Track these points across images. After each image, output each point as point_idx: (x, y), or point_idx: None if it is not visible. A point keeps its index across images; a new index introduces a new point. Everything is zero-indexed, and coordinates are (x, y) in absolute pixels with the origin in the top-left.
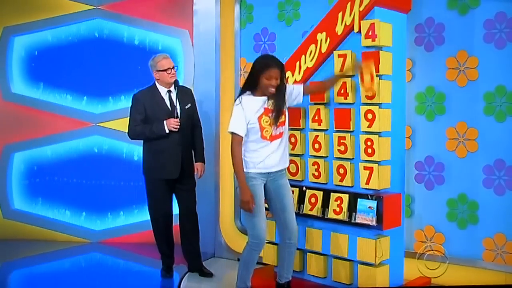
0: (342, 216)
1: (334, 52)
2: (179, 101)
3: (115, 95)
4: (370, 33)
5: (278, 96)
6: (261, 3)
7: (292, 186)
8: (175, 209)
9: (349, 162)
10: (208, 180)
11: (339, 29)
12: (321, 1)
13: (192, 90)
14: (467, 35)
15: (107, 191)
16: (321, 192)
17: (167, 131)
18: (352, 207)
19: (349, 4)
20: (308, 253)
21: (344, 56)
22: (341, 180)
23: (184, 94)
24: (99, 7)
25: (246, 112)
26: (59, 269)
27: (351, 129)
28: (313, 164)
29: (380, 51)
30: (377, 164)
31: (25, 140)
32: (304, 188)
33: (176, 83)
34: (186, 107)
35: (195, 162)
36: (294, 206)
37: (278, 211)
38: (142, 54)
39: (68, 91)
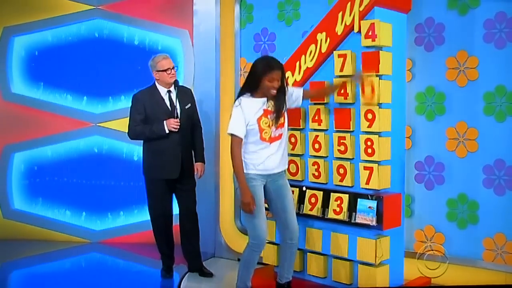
0: (342, 216)
1: (334, 52)
2: (179, 101)
3: (115, 95)
4: (370, 33)
5: (279, 97)
6: (261, 3)
7: (292, 186)
8: (175, 209)
9: (349, 162)
10: (208, 180)
11: (339, 29)
12: (321, 1)
13: (192, 90)
14: (467, 35)
15: (107, 191)
16: (321, 192)
17: (167, 131)
18: (352, 207)
19: (349, 4)
20: (308, 253)
21: (344, 56)
22: (341, 180)
23: (184, 94)
24: (99, 7)
25: (246, 114)
26: (59, 269)
27: (351, 129)
28: (313, 164)
29: (380, 51)
30: (377, 164)
31: (25, 140)
32: (304, 188)
33: (176, 83)
34: (186, 107)
35: (195, 162)
36: (294, 206)
37: (279, 211)
38: (142, 54)
39: (68, 91)
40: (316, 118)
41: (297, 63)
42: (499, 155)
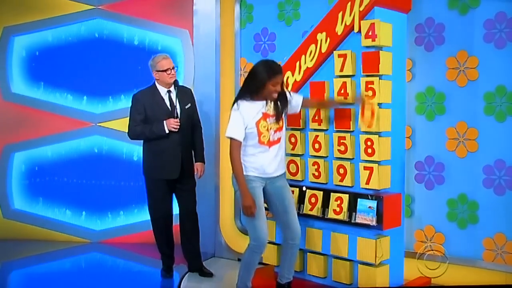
0: (342, 216)
1: (334, 52)
2: (179, 101)
3: (115, 95)
4: (370, 33)
5: (280, 100)
6: (261, 3)
7: (292, 186)
8: (175, 209)
9: (349, 162)
10: (208, 180)
11: (339, 29)
12: (321, 1)
13: (192, 90)
14: (467, 35)
15: (107, 191)
16: (321, 192)
17: (167, 131)
18: (352, 207)
19: (349, 4)
20: (308, 253)
21: (344, 56)
22: (341, 180)
23: (184, 94)
24: (99, 7)
25: (244, 117)
26: (59, 269)
27: (351, 129)
28: (313, 164)
29: (380, 51)
30: (377, 164)
31: (25, 140)
32: (304, 188)
33: (176, 83)
34: (186, 107)
35: (195, 162)
36: (295, 206)
37: (280, 213)
38: (142, 54)
39: (68, 91)
40: (316, 118)
41: (297, 63)
42: (499, 155)
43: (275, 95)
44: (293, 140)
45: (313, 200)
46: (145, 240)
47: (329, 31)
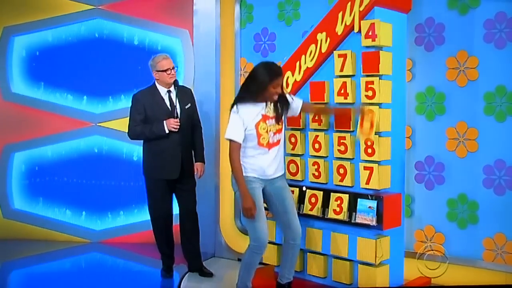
0: (342, 216)
1: (334, 52)
2: (179, 101)
3: (115, 95)
4: (370, 33)
5: (280, 101)
6: (261, 3)
7: (292, 186)
8: (175, 209)
9: (349, 162)
10: (208, 180)
11: (339, 29)
12: (321, 1)
13: (192, 90)
14: (467, 35)
15: (107, 191)
16: (321, 192)
17: (167, 131)
18: (352, 207)
19: (349, 4)
20: (308, 253)
21: (344, 56)
22: (341, 180)
23: (184, 94)
24: (99, 7)
25: (244, 119)
26: (59, 269)
27: (351, 129)
28: (313, 164)
29: (380, 51)
30: (377, 164)
31: (25, 140)
32: (304, 188)
33: (175, 83)
34: (186, 107)
35: (195, 162)
36: (295, 206)
37: (280, 213)
38: (142, 54)
39: (68, 91)
40: (316, 118)
41: (297, 63)
42: (499, 155)
43: (276, 97)
44: (293, 140)
45: (313, 200)
46: (145, 240)
47: (329, 31)
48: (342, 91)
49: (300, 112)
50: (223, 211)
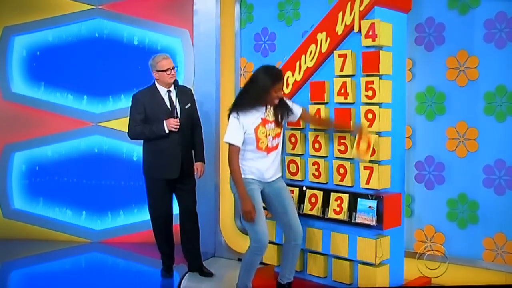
0: (342, 216)
1: (334, 52)
2: (179, 101)
3: (115, 95)
4: (370, 33)
5: (280, 105)
6: (261, 3)
7: (292, 186)
8: (175, 209)
9: (349, 162)
10: (208, 180)
11: (339, 29)
12: (321, 1)
13: (192, 90)
14: (467, 35)
15: (107, 191)
16: (321, 192)
17: (167, 131)
18: (352, 207)
19: (349, 4)
20: (308, 253)
21: (344, 56)
22: (341, 180)
23: (184, 94)
24: (99, 7)
25: (243, 122)
26: (59, 269)
27: (351, 129)
28: (313, 164)
29: (380, 51)
30: (377, 164)
31: (25, 140)
32: (304, 188)
33: (175, 83)
34: (186, 107)
35: (195, 162)
36: (295, 206)
37: (281, 214)
38: (142, 54)
39: (69, 90)
40: (316, 117)
41: (297, 63)
42: (499, 155)
43: (277, 101)
44: (293, 140)
45: (313, 200)
46: (145, 240)
47: (329, 31)
48: (342, 91)
49: (299, 120)
50: (223, 211)
